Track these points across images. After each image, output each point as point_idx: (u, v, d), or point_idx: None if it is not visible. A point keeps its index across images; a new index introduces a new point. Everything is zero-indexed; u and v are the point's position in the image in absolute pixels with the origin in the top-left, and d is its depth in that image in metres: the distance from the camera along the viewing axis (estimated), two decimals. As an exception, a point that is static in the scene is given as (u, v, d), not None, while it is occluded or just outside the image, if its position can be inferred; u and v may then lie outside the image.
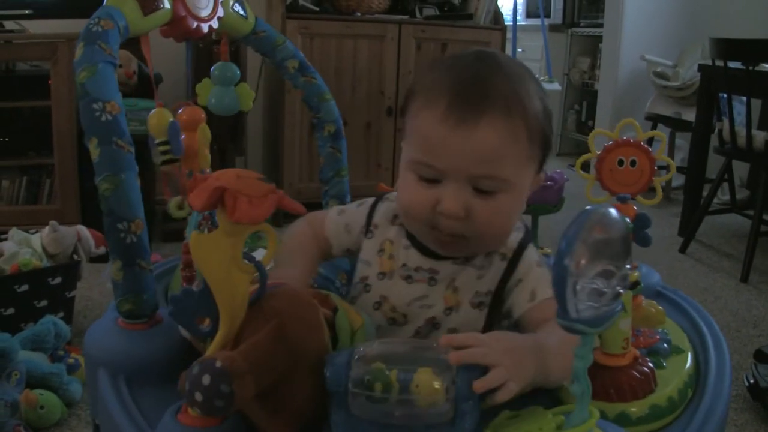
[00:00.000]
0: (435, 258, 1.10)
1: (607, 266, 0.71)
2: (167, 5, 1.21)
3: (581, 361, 0.74)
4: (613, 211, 0.73)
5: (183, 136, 1.33)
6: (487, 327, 1.08)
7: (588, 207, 0.72)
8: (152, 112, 1.30)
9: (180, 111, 1.40)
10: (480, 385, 0.81)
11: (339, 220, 1.21)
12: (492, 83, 1.00)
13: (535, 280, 1.07)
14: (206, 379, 0.75)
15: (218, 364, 0.76)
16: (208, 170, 1.40)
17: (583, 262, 0.69)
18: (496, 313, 1.09)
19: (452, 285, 1.09)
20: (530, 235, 1.14)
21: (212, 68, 1.53)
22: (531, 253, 1.11)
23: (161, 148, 1.27)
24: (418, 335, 1.09)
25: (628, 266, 0.73)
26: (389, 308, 1.11)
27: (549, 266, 1.09)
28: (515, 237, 1.10)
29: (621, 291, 0.73)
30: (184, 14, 1.25)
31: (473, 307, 1.08)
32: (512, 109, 1.00)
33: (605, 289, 0.71)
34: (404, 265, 1.12)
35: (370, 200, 1.21)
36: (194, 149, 1.39)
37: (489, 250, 1.09)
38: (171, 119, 1.29)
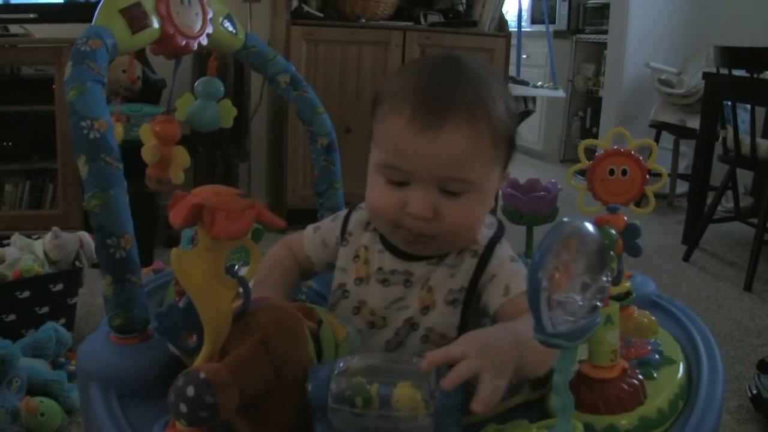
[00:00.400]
0: (408, 259, 1.12)
1: (583, 279, 0.71)
2: (155, 23, 1.23)
3: (561, 375, 0.74)
4: (587, 225, 0.73)
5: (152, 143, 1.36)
6: (463, 323, 1.09)
7: (564, 219, 0.72)
8: None
9: (154, 120, 1.41)
10: (481, 403, 0.81)
11: (315, 237, 1.24)
12: (455, 88, 1.03)
13: (508, 275, 1.08)
14: (190, 391, 0.77)
15: (202, 375, 0.77)
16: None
17: (556, 275, 0.69)
18: (471, 309, 1.10)
19: (426, 285, 1.11)
20: (503, 231, 1.14)
21: (196, 83, 1.54)
22: (503, 249, 1.12)
23: None
24: (397, 336, 1.11)
25: (605, 278, 0.73)
26: (368, 312, 1.13)
27: (525, 262, 1.11)
28: (486, 234, 1.12)
29: (598, 303, 0.73)
30: (172, 32, 1.26)
31: (447, 304, 1.09)
32: (476, 114, 1.02)
33: (581, 302, 0.71)
34: (379, 268, 1.13)
35: (344, 212, 1.23)
36: (167, 159, 1.40)
37: (457, 248, 1.10)
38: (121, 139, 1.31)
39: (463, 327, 1.09)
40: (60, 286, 2.47)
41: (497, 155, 1.06)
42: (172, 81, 1.46)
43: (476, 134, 1.01)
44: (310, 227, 1.26)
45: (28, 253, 2.54)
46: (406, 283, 1.11)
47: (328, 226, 1.23)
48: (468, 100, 1.02)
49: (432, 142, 0.99)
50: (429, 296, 1.10)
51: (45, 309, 2.43)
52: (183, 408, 0.77)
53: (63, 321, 2.46)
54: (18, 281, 2.38)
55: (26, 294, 2.38)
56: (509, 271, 1.08)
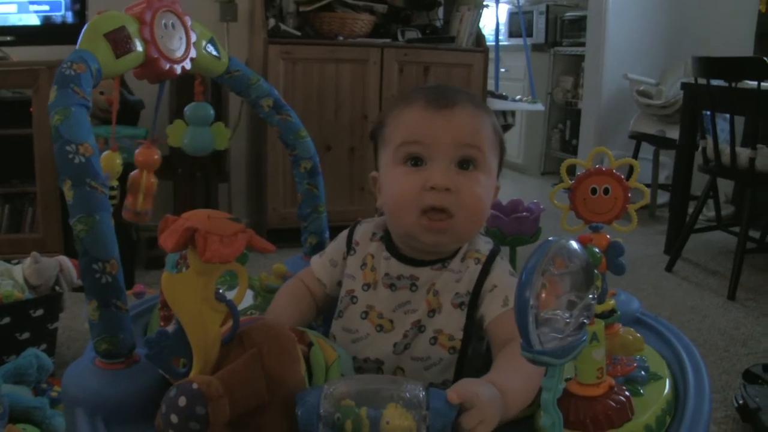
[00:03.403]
0: (414, 265, 1.19)
1: (569, 297, 0.71)
2: (139, 47, 1.23)
3: (549, 393, 0.74)
4: (573, 243, 0.74)
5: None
6: (468, 326, 1.14)
7: (549, 238, 0.72)
8: (104, 154, 1.32)
9: (137, 151, 1.42)
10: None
11: (322, 260, 1.31)
12: (458, 91, 1.20)
13: (508, 288, 1.13)
14: (182, 401, 0.77)
15: (195, 386, 0.78)
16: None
17: (543, 293, 0.69)
18: (475, 312, 1.15)
19: (432, 289, 1.17)
20: (500, 247, 1.21)
21: (185, 108, 1.54)
22: (504, 262, 1.19)
23: (112, 192, 1.30)
24: (405, 338, 1.15)
25: (591, 296, 0.74)
26: (376, 315, 1.18)
27: None
28: (486, 247, 1.20)
29: (585, 321, 0.73)
30: (156, 56, 1.26)
31: (454, 307, 1.15)
32: (478, 106, 1.19)
33: (568, 320, 0.71)
34: (386, 274, 1.19)
35: (346, 230, 1.30)
36: (148, 187, 1.41)
37: (469, 236, 1.19)
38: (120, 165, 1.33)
39: (469, 328, 1.14)
40: (40, 312, 2.44)
41: (496, 142, 1.20)
42: (155, 106, 1.46)
43: (481, 116, 1.17)
44: (315, 255, 1.34)
45: (7, 279, 2.52)
46: (411, 287, 1.18)
47: (333, 246, 1.31)
48: (470, 96, 1.20)
49: (448, 116, 1.14)
50: (435, 300, 1.16)
51: (26, 335, 2.40)
52: (174, 419, 0.77)
53: (44, 347, 2.43)
54: (-2, 307, 2.35)
55: (6, 320, 2.34)
56: (509, 283, 1.14)
